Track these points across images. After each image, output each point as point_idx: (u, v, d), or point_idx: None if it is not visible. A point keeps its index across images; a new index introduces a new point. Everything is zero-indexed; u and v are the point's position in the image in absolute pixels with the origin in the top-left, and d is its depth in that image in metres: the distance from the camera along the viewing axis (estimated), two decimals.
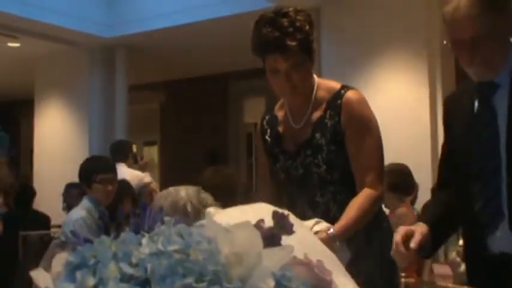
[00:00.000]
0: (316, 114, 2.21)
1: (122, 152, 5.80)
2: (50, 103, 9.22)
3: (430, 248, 1.87)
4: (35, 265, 1.02)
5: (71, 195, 6.54)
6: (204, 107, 10.32)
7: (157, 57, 9.13)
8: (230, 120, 10.44)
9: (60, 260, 0.89)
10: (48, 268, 0.97)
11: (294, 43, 2.07)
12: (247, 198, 6.33)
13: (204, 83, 10.23)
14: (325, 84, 2.25)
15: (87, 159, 4.21)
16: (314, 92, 2.22)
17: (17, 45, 8.64)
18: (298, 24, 2.09)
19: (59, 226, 6.14)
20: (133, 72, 8.78)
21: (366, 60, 6.80)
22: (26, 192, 6.01)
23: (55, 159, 8.91)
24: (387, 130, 2.40)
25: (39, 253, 4.52)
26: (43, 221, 5.86)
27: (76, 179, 6.92)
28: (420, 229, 1.82)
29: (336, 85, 2.24)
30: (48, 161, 9.04)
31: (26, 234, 5.31)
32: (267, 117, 2.37)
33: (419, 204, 6.41)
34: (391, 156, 2.57)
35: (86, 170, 3.86)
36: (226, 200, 2.88)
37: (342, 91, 2.20)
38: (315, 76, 2.25)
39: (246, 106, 10.45)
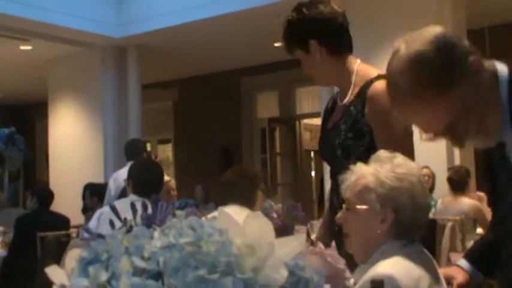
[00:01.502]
0: (350, 99, 2.25)
1: (136, 150, 5.81)
2: (64, 104, 9.28)
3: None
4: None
5: (85, 196, 6.60)
6: (217, 103, 10.33)
7: (169, 56, 9.14)
8: (243, 116, 10.43)
9: (74, 256, 0.90)
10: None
11: (283, 42, 2.27)
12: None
13: (216, 80, 10.23)
14: (364, 70, 2.27)
15: (150, 170, 3.81)
16: (354, 76, 2.25)
17: (29, 48, 8.69)
18: (285, 21, 2.23)
19: (77, 227, 6.18)
20: (145, 71, 8.80)
21: (376, 49, 6.75)
22: (44, 194, 6.06)
23: (70, 160, 8.97)
24: None
25: (57, 254, 4.55)
26: (62, 222, 5.89)
27: (90, 179, 6.94)
28: (456, 282, 1.76)
29: (371, 73, 2.23)
30: (63, 162, 9.10)
31: (44, 235, 5.34)
32: (335, 92, 2.45)
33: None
34: None
35: (141, 185, 3.66)
36: (248, 197, 2.85)
37: (373, 81, 2.18)
38: (357, 61, 2.30)
39: (258, 101, 10.44)
